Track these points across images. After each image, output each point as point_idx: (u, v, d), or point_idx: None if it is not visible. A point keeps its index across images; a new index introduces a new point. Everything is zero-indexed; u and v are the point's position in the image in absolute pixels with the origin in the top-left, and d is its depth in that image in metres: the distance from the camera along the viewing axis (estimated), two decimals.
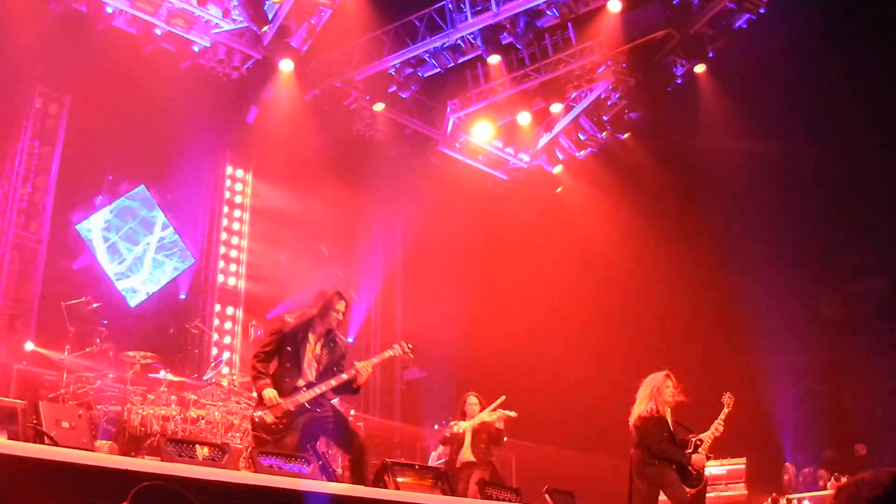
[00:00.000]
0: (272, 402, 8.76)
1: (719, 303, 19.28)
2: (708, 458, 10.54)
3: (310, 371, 9.05)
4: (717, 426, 10.45)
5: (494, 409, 12.73)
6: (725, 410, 10.62)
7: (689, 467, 10.24)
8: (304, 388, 8.92)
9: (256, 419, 8.82)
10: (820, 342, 20.29)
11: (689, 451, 10.36)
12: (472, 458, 12.33)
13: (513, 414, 12.73)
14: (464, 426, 12.64)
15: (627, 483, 10.48)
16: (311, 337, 9.18)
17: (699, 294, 19.21)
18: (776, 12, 17.39)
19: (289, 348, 9.06)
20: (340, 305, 9.28)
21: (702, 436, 10.46)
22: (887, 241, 19.71)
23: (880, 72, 17.78)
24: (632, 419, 10.49)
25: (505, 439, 13.12)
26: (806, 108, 18.62)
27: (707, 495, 11.80)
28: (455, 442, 12.70)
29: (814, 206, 19.61)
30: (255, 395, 9.55)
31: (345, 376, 9.07)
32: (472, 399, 13.05)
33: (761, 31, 17.69)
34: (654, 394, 10.45)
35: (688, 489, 10.23)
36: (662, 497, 10.42)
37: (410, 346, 9.74)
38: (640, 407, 10.46)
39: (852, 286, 21.37)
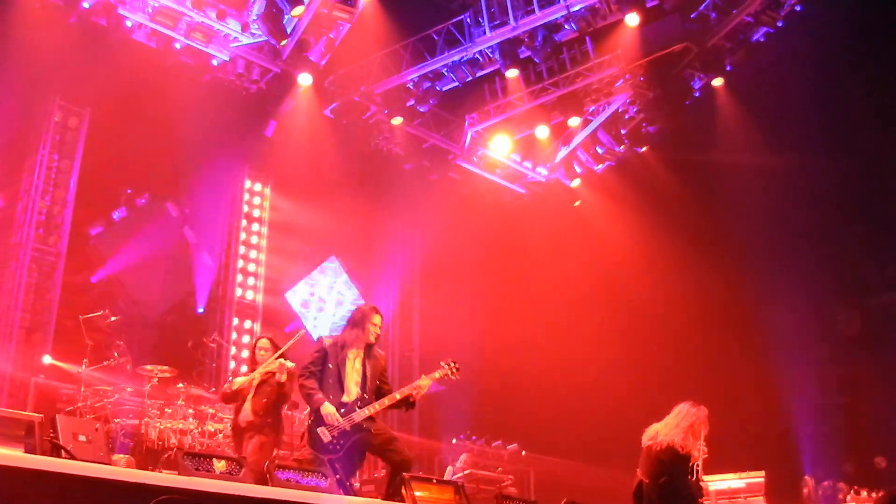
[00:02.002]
0: (333, 419, 8.86)
1: (738, 316, 19.20)
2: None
3: (353, 387, 9.11)
4: (703, 450, 9.94)
5: (278, 357, 10.82)
6: (704, 432, 10.14)
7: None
8: (358, 406, 8.99)
9: (313, 433, 8.89)
10: (839, 356, 20.18)
11: (692, 477, 9.95)
12: (251, 417, 10.66)
13: (290, 364, 10.64)
14: (241, 381, 10.99)
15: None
16: (350, 353, 9.25)
17: (717, 308, 19.14)
18: (793, 26, 17.38)
19: (330, 365, 9.15)
20: (377, 319, 9.39)
21: (697, 462, 10.03)
22: None
23: None
24: (658, 439, 9.63)
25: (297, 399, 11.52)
26: (824, 121, 18.53)
27: None
28: (238, 398, 10.95)
29: (832, 219, 19.49)
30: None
31: (398, 396, 9.17)
32: (264, 343, 11.23)
33: (779, 45, 17.66)
34: (692, 429, 9.58)
35: None
36: None
37: (457, 366, 9.69)
38: (671, 435, 9.58)
39: (871, 300, 21.26)
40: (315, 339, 12.88)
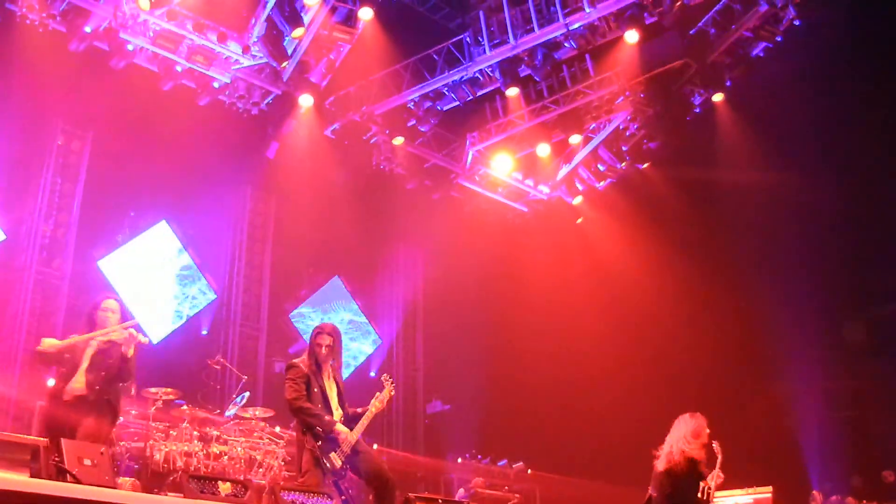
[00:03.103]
0: (347, 443, 8.83)
1: (743, 331, 19.18)
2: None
3: (335, 409, 9.10)
4: (718, 475, 10.18)
5: (127, 327, 9.20)
6: (719, 459, 10.39)
7: None
8: (349, 425, 8.99)
9: (328, 464, 8.76)
10: (845, 369, 20.20)
11: (702, 497, 10.14)
12: (84, 391, 8.96)
13: (144, 339, 9.40)
14: (72, 340, 9.15)
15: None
16: (323, 375, 9.25)
17: (722, 323, 19.13)
18: (793, 41, 17.41)
19: (315, 389, 9.09)
20: (322, 339, 9.30)
21: (710, 482, 10.25)
22: None
23: None
24: (664, 462, 10.05)
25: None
26: (825, 135, 18.57)
27: None
28: (65, 363, 9.11)
29: (837, 233, 19.51)
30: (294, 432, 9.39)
31: (373, 409, 9.16)
32: (111, 304, 9.45)
33: (779, 60, 17.70)
34: (691, 437, 10.01)
35: None
36: None
37: (387, 376, 9.65)
38: (675, 447, 10.02)
39: (876, 312, 21.26)
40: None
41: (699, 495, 9.90)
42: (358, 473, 9.11)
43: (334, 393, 9.20)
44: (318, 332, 9.42)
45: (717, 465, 10.04)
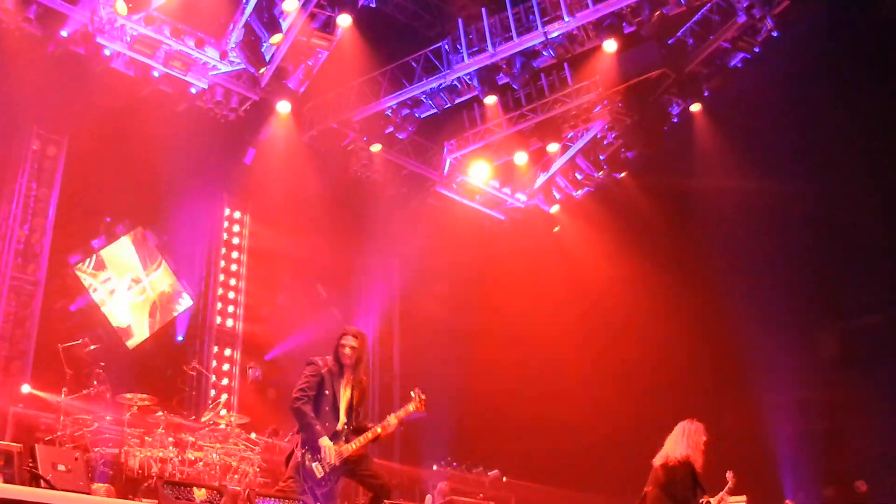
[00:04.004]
0: (329, 457, 8.67)
1: (717, 341, 19.25)
2: None
3: (342, 415, 8.98)
4: (725, 497, 10.52)
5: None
6: (729, 485, 10.70)
7: None
8: (345, 440, 8.86)
9: (307, 468, 8.64)
10: (819, 380, 20.25)
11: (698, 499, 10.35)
12: None
13: None
14: None
15: None
16: (342, 380, 9.09)
17: (697, 332, 19.20)
18: (771, 52, 17.51)
19: (327, 392, 8.95)
20: (347, 340, 9.11)
21: (711, 500, 10.48)
22: (885, 278, 19.72)
23: (876, 109, 17.85)
24: (663, 459, 10.39)
25: None
26: (802, 146, 18.67)
27: None
28: None
29: (812, 243, 19.60)
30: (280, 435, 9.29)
31: (379, 430, 8.99)
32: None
33: (756, 70, 17.79)
34: (689, 440, 10.35)
35: None
36: None
37: (423, 395, 9.40)
38: (675, 449, 10.35)
39: (851, 324, 21.35)
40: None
41: (697, 500, 10.15)
42: (353, 478, 9.12)
43: (346, 400, 9.03)
44: (344, 333, 9.22)
45: (726, 489, 10.43)
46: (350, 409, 9.04)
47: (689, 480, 10.21)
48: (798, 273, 19.51)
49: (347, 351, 9.10)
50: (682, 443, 10.31)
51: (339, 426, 8.90)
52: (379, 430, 8.99)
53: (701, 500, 10.37)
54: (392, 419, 9.08)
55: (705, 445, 10.34)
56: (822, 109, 18.14)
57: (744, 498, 14.77)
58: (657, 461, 10.40)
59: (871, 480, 18.51)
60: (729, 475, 10.87)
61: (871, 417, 19.63)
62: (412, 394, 9.35)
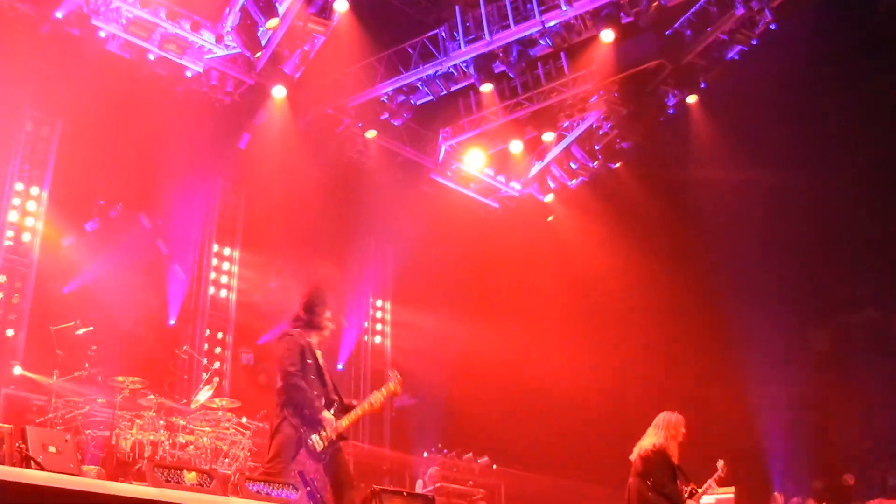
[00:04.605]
0: (331, 431, 8.68)
1: (709, 332, 19.29)
2: None
3: (329, 383, 8.97)
4: (713, 484, 10.66)
5: None
6: (718, 473, 10.82)
7: None
8: (339, 412, 8.87)
9: (310, 444, 8.61)
10: (809, 373, 20.32)
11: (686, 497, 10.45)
12: None
13: None
14: None
15: None
16: (315, 349, 9.08)
17: (689, 323, 19.23)
18: (768, 45, 17.49)
19: (309, 360, 8.89)
20: (325, 312, 9.17)
21: (698, 488, 10.57)
22: (877, 273, 19.79)
23: (871, 104, 17.87)
24: (638, 450, 10.65)
25: None
26: (797, 139, 18.68)
27: None
28: None
29: (804, 237, 19.65)
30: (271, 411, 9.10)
31: (366, 406, 9.00)
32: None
33: (753, 63, 17.78)
34: (666, 431, 10.61)
35: None
36: None
37: (399, 375, 9.31)
38: (651, 440, 10.61)
39: (842, 318, 21.42)
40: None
41: (681, 488, 10.37)
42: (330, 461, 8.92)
43: (323, 369, 9.03)
44: (319, 293, 9.24)
45: (714, 477, 10.59)
46: (331, 380, 9.08)
47: (665, 468, 10.45)
48: (790, 267, 19.57)
49: (332, 325, 9.22)
50: (659, 433, 10.58)
51: (327, 397, 8.88)
52: (367, 406, 8.99)
53: (686, 488, 10.48)
54: (378, 395, 9.06)
55: (684, 437, 10.58)
56: (817, 103, 18.18)
57: (732, 489, 14.83)
58: (635, 452, 10.64)
59: (860, 474, 18.61)
60: (720, 464, 10.96)
61: (861, 411, 19.73)
62: (389, 373, 9.35)
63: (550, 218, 21.31)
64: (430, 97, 18.11)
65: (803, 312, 20.87)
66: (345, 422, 8.83)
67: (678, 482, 10.47)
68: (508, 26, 16.83)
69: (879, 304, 20.77)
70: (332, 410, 8.82)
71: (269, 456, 8.69)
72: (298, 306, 9.26)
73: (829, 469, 19.22)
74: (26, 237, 15.75)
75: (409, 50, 17.75)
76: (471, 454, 17.63)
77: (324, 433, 8.65)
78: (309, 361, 8.88)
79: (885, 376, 19.30)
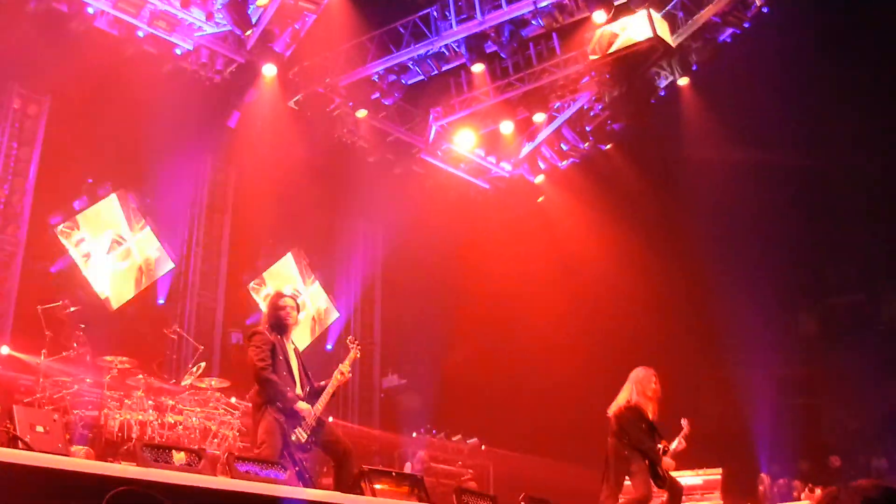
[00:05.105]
0: (311, 419, 8.74)
1: (698, 314, 19.32)
2: (673, 468, 10.68)
3: (298, 378, 9.01)
4: (681, 441, 10.76)
5: None
6: (684, 431, 10.91)
7: (659, 468, 10.39)
8: (311, 396, 8.93)
9: (294, 439, 8.69)
10: (797, 356, 20.39)
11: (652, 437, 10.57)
12: None
13: None
14: None
15: (603, 469, 10.73)
16: (288, 344, 9.15)
17: (678, 305, 19.27)
18: (761, 27, 17.47)
19: (280, 357, 8.96)
20: (286, 301, 9.30)
21: (669, 446, 10.66)
22: (865, 256, 19.84)
23: (862, 87, 17.87)
24: (612, 409, 10.79)
25: None
26: (788, 122, 18.69)
27: None
28: None
29: (793, 220, 19.68)
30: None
31: (335, 382, 9.05)
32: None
33: (745, 46, 17.75)
34: (636, 387, 10.77)
35: (656, 487, 10.48)
36: None
37: (352, 338, 9.61)
38: (622, 397, 10.78)
39: (830, 300, 21.48)
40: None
41: (655, 444, 10.50)
42: (318, 444, 9.01)
43: (296, 363, 9.13)
44: (280, 296, 9.40)
45: (682, 434, 10.65)
46: (301, 371, 9.13)
47: (640, 423, 10.59)
48: (780, 248, 19.58)
49: (293, 312, 9.27)
50: (630, 390, 10.76)
51: (298, 389, 8.96)
52: (337, 377, 9.06)
53: (659, 447, 10.57)
54: (345, 367, 9.15)
55: (655, 392, 10.74)
56: (808, 86, 18.15)
57: (720, 470, 14.90)
58: (610, 411, 10.81)
59: (846, 456, 18.70)
60: (684, 422, 11.06)
61: (847, 394, 19.79)
62: (349, 342, 9.49)
63: (541, 199, 21.31)
64: (422, 77, 18.05)
65: (792, 294, 20.93)
66: (320, 405, 8.90)
67: (654, 439, 10.58)
68: (500, 6, 16.78)
69: (868, 287, 20.83)
70: (316, 403, 8.90)
71: (258, 442, 8.75)
72: (265, 314, 9.52)
73: (815, 451, 19.30)
74: (14, 215, 15.65)
75: (401, 29, 17.67)
76: (460, 435, 17.67)
77: (304, 423, 8.74)
78: (280, 358, 8.97)
79: (871, 359, 19.35)
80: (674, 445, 10.75)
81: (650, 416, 10.67)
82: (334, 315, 19.40)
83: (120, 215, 17.51)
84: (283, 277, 19.29)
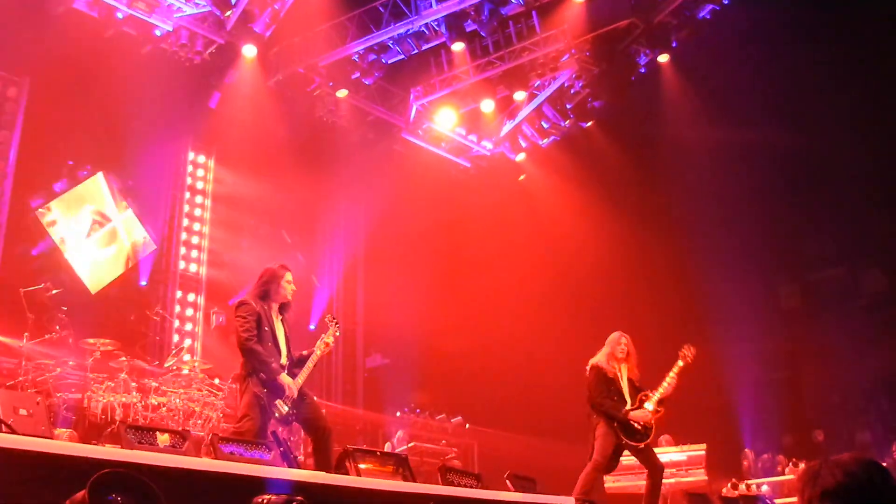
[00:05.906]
0: (291, 391, 8.71)
1: (680, 290, 19.39)
2: (659, 413, 10.67)
3: (283, 349, 9.00)
4: (670, 380, 10.72)
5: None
6: (679, 363, 10.87)
7: (632, 423, 10.41)
8: (293, 367, 8.92)
9: (277, 415, 8.67)
10: (779, 330, 20.49)
11: (634, 406, 10.53)
12: None
13: None
14: None
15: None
16: (273, 314, 9.11)
17: (660, 281, 19.33)
18: (739, 4, 17.50)
19: (266, 328, 8.90)
20: (289, 276, 9.22)
21: (651, 392, 10.66)
22: (846, 230, 19.93)
23: (843, 64, 17.91)
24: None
25: None
26: (769, 97, 18.75)
27: (667, 481, 11.99)
28: None
29: (774, 195, 19.76)
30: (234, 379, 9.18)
31: (318, 353, 9.02)
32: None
33: (725, 22, 17.78)
34: (605, 347, 10.98)
35: (634, 443, 10.52)
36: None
37: (331, 317, 9.52)
38: (597, 360, 10.93)
39: (811, 275, 21.57)
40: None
41: (612, 400, 10.60)
42: (300, 419, 9.00)
43: (283, 333, 9.08)
44: (284, 269, 9.28)
45: (676, 369, 10.87)
46: (287, 342, 9.10)
47: (598, 383, 10.70)
48: (761, 223, 19.67)
49: (293, 287, 9.22)
50: (600, 351, 10.99)
51: (284, 360, 8.94)
52: (318, 352, 9.04)
53: (640, 396, 10.62)
54: (329, 338, 9.15)
55: (626, 352, 10.89)
56: (789, 61, 18.20)
57: (704, 446, 14.98)
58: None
59: (829, 430, 18.82)
60: (687, 350, 11.09)
61: (830, 368, 19.90)
62: (327, 320, 9.44)
63: (522, 177, 21.36)
64: (402, 56, 18.02)
65: (774, 269, 21.03)
66: (300, 378, 8.88)
67: (611, 396, 10.63)
68: None
69: (849, 261, 20.93)
70: (297, 375, 8.87)
71: (238, 415, 8.77)
72: (256, 281, 9.33)
73: (798, 425, 19.44)
74: None
75: (381, 9, 17.62)
76: (444, 414, 17.72)
77: (285, 395, 8.71)
78: (266, 329, 8.91)
79: (853, 333, 19.47)
80: (659, 392, 10.70)
81: (619, 376, 10.75)
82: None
83: (105, 194, 17.41)
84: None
